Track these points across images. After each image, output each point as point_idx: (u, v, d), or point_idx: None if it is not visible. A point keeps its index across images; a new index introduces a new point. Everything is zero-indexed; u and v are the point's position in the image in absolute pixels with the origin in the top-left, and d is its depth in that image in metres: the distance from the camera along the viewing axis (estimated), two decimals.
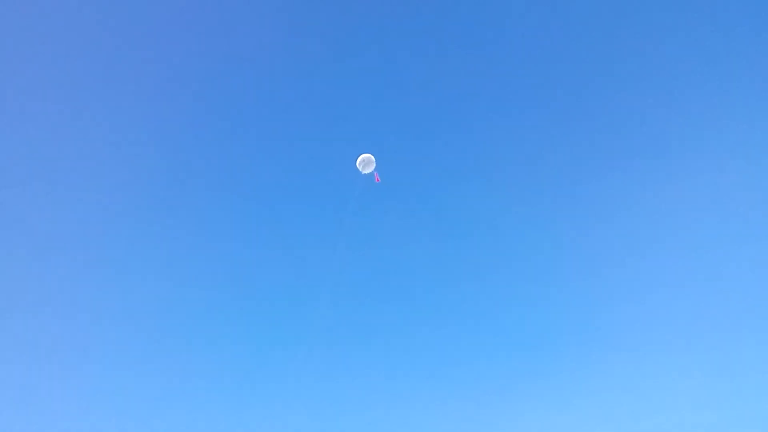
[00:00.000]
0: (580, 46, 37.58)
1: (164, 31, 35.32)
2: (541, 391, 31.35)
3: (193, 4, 35.70)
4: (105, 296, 32.54)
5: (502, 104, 38.07)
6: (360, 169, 25.26)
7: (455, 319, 34.65)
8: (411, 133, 38.50)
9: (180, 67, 35.83)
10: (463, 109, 38.11)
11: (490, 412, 30.64)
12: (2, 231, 31.60)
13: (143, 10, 34.60)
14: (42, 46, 33.34)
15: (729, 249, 33.30)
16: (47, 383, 29.42)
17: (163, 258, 33.99)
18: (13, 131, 32.56)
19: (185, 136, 36.06)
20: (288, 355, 32.56)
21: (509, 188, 37.21)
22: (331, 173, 36.80)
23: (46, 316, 30.96)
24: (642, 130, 36.20)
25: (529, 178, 37.18)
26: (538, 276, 35.44)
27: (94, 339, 31.29)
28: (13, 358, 29.46)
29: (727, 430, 28.56)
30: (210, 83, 36.39)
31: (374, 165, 25.18)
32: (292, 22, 37.07)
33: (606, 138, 36.81)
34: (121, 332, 31.60)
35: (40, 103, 33.24)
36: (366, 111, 38.38)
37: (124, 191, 34.40)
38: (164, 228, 34.49)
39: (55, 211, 32.94)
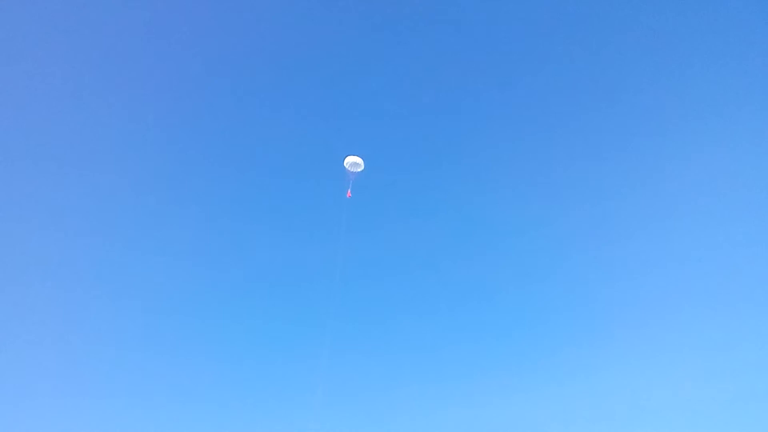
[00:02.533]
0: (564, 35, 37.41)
1: (153, 30, 35.35)
2: (535, 381, 31.60)
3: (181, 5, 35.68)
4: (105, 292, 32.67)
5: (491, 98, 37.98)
6: (348, 168, 25.05)
7: (453, 314, 34.84)
8: (403, 128, 38.50)
9: (171, 66, 35.90)
10: (450, 100, 38.08)
11: (484, 404, 30.84)
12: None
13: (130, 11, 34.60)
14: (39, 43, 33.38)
15: (727, 244, 33.37)
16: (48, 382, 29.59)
17: (158, 258, 34.01)
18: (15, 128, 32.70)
19: (177, 133, 36.03)
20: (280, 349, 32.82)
21: (505, 183, 37.25)
22: (321, 170, 36.64)
23: (46, 315, 31.07)
24: (635, 120, 36.17)
25: (525, 172, 37.18)
26: (535, 270, 35.56)
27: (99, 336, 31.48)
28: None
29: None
30: (199, 82, 36.40)
31: (361, 167, 25.00)
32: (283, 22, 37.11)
33: (597, 129, 36.75)
34: (119, 333, 31.70)
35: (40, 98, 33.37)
36: (352, 104, 38.40)
37: (121, 187, 34.43)
38: (157, 229, 34.54)
39: (52, 209, 33.02)
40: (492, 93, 37.89)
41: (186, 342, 32.27)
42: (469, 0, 37.71)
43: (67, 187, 33.20)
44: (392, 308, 35.00)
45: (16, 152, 32.35)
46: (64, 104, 33.84)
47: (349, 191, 25.20)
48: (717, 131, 34.74)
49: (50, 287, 31.47)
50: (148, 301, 32.57)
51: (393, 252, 36.53)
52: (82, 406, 29.14)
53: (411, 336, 33.92)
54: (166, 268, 33.56)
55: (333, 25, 37.44)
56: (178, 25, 35.64)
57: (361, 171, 25.07)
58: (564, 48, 37.13)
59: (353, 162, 24.98)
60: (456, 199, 37.28)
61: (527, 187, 36.77)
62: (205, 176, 35.73)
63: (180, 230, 34.53)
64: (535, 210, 36.34)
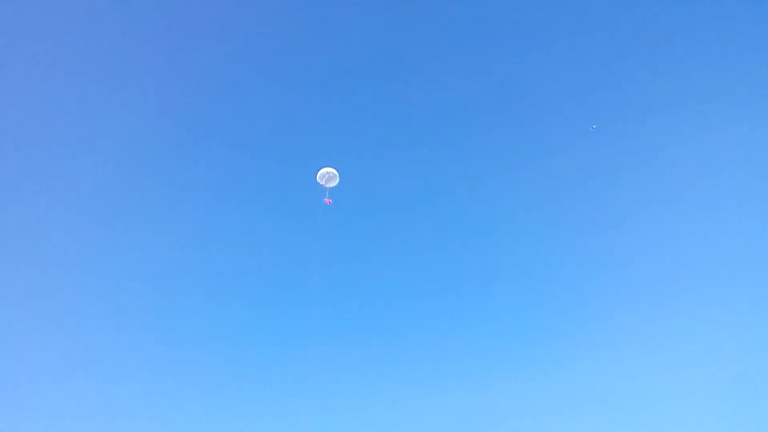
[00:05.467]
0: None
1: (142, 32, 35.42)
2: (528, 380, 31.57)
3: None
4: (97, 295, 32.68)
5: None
6: (323, 183, 24.63)
7: (449, 315, 34.84)
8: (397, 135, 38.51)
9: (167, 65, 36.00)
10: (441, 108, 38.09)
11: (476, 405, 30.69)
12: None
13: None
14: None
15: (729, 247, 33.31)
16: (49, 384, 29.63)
17: (152, 262, 34.09)
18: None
19: (168, 138, 36.17)
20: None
21: (494, 176, 37.28)
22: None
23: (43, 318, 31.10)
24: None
25: (516, 164, 37.21)
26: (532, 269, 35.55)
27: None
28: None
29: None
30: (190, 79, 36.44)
31: (336, 181, 24.54)
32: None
33: (588, 122, 36.72)
34: (112, 338, 31.71)
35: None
36: (344, 99, 38.47)
37: (112, 191, 34.51)
38: (151, 233, 34.61)
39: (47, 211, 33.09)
40: (483, 87, 38.05)
41: (172, 333, 32.34)
42: None
43: (61, 180, 33.41)
44: (382, 300, 35.15)
45: (18, 148, 32.61)
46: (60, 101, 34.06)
47: (327, 199, 24.80)
48: (711, 125, 34.76)
49: (46, 276, 31.60)
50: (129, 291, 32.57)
51: (382, 246, 36.64)
52: (76, 399, 29.27)
53: (402, 329, 34.07)
54: (152, 256, 33.64)
55: (323, 23, 37.64)
56: (178, 25, 35.81)
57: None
58: (554, 40, 37.24)
59: (327, 176, 24.44)
60: (448, 191, 37.47)
61: (517, 179, 36.96)
62: (189, 165, 35.77)
63: (167, 218, 34.69)
64: (525, 201, 36.55)
